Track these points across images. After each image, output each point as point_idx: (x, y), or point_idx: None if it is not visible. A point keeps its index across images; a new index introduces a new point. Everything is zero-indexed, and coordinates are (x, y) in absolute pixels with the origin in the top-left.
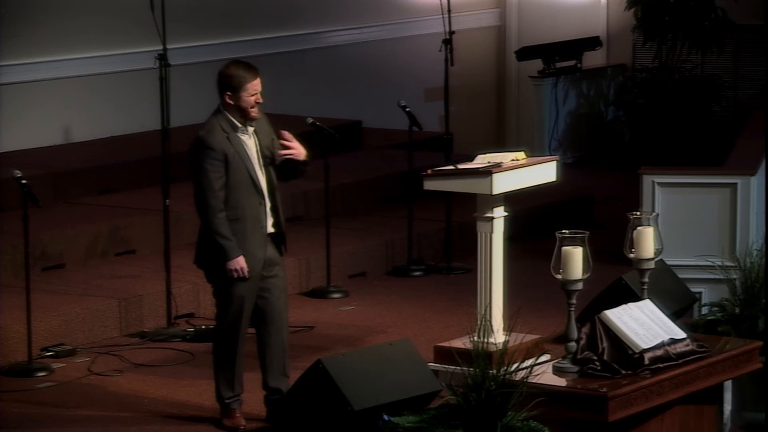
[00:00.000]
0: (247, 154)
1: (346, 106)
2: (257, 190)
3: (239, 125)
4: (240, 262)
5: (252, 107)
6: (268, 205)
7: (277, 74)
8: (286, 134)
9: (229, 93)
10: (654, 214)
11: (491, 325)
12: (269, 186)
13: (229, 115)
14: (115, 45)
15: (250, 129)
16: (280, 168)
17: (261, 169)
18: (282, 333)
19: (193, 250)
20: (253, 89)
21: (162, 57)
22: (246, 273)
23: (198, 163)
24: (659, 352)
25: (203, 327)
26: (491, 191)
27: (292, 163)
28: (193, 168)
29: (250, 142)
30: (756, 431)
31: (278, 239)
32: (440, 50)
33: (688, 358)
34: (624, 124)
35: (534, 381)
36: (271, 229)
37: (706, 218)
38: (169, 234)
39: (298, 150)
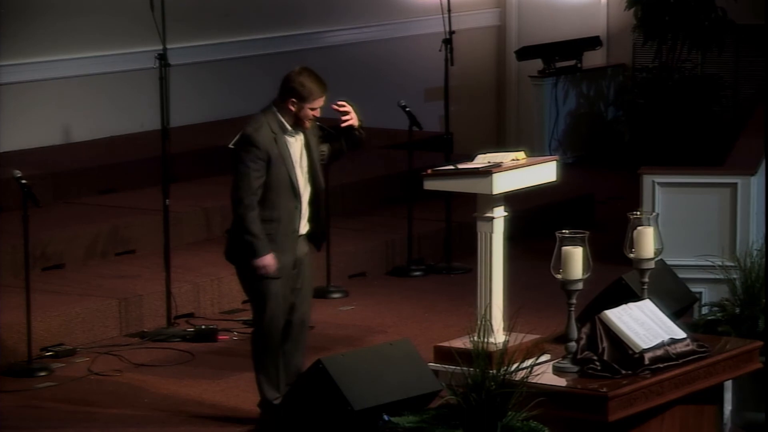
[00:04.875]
0: (290, 157)
1: None
2: (295, 193)
3: (288, 128)
4: (268, 260)
5: (309, 119)
6: (304, 208)
7: (277, 74)
8: (340, 102)
9: (294, 100)
10: (654, 214)
11: (491, 325)
12: (312, 191)
13: (281, 116)
14: (115, 45)
15: (298, 133)
16: (345, 138)
17: (302, 170)
18: (303, 334)
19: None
20: (318, 104)
21: (162, 57)
22: (273, 271)
23: (241, 160)
24: (659, 352)
25: (203, 327)
26: (491, 191)
27: (351, 131)
28: (235, 163)
29: (296, 143)
30: (756, 431)
31: (313, 238)
32: (440, 50)
33: (688, 358)
34: (624, 124)
35: (534, 381)
36: (303, 230)
37: (706, 218)
38: (169, 234)
39: (352, 115)
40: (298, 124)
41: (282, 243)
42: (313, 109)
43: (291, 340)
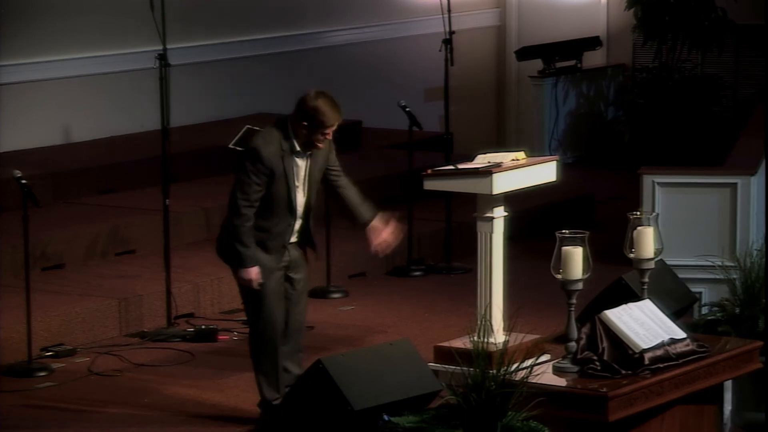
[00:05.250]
0: (294, 176)
1: (346, 106)
2: (291, 211)
3: (299, 149)
4: (252, 273)
5: (320, 143)
6: (298, 224)
7: (277, 74)
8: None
9: (305, 123)
10: (654, 214)
11: (491, 325)
12: (306, 206)
13: (293, 136)
14: (115, 45)
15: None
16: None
17: (303, 189)
18: (298, 336)
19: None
20: (330, 130)
21: (162, 57)
22: (255, 286)
23: (245, 170)
24: (659, 352)
25: (203, 327)
26: (491, 191)
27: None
28: (239, 171)
29: (303, 164)
30: (756, 431)
31: (304, 241)
32: (440, 50)
33: (688, 358)
34: (624, 124)
35: (534, 381)
36: (294, 238)
37: (706, 218)
38: (169, 234)
39: (386, 241)
40: (308, 145)
41: (271, 250)
42: (324, 134)
43: (288, 340)
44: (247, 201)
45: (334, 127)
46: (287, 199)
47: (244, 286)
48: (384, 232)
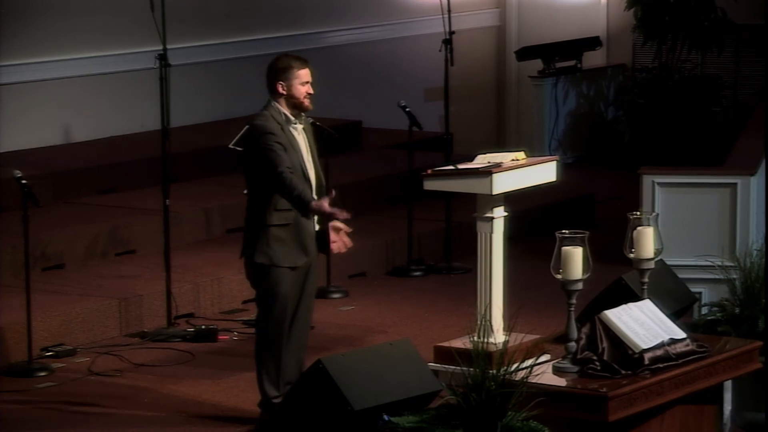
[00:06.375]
0: (298, 146)
1: (346, 106)
2: (308, 184)
3: (291, 118)
4: (320, 204)
5: (305, 97)
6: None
7: None
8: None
9: (282, 82)
10: (654, 214)
11: (491, 325)
12: (317, 184)
13: (280, 106)
14: (115, 45)
15: (299, 126)
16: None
17: (311, 165)
18: (304, 335)
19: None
20: (305, 77)
21: (162, 57)
22: (329, 209)
23: (265, 146)
24: (659, 352)
25: (203, 327)
26: (491, 191)
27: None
28: (257, 153)
29: (300, 137)
30: (756, 431)
31: (321, 238)
32: (440, 50)
33: (688, 358)
34: (624, 124)
35: (534, 381)
36: (317, 226)
37: (706, 218)
38: (169, 234)
39: (343, 241)
40: (297, 108)
41: (303, 233)
42: (303, 84)
43: (293, 339)
44: (282, 164)
45: (308, 77)
46: (301, 170)
47: (327, 213)
48: (341, 233)
